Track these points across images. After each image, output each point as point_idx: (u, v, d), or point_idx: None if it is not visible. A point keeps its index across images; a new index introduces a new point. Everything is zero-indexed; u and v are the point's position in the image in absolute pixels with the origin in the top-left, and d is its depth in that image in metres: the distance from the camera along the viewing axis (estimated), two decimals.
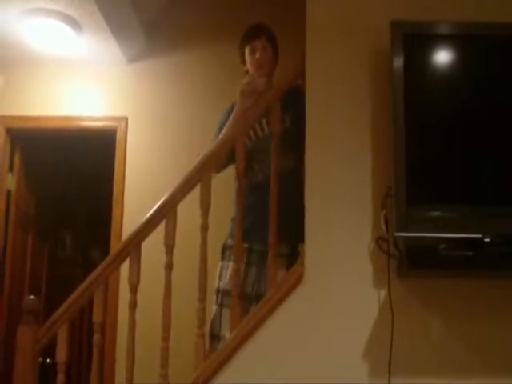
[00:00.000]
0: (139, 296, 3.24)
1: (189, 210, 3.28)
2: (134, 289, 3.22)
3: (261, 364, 3.04)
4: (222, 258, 3.47)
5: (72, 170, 6.09)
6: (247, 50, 3.64)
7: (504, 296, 3.01)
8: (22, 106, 4.95)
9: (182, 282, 3.44)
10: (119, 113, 4.94)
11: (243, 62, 3.69)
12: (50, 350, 3.28)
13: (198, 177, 3.24)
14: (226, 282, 3.40)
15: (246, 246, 3.39)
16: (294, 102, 3.34)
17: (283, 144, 3.31)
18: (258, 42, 3.61)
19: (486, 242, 2.76)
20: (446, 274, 2.98)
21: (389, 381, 2.92)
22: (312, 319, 3.04)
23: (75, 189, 6.25)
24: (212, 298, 3.44)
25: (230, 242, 3.46)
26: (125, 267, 3.32)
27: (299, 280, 3.08)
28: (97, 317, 3.22)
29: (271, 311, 3.06)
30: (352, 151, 3.15)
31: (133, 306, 3.21)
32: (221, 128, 3.55)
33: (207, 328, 3.32)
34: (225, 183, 3.59)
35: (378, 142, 3.12)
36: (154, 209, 3.25)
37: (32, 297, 3.25)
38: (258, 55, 3.60)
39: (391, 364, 2.92)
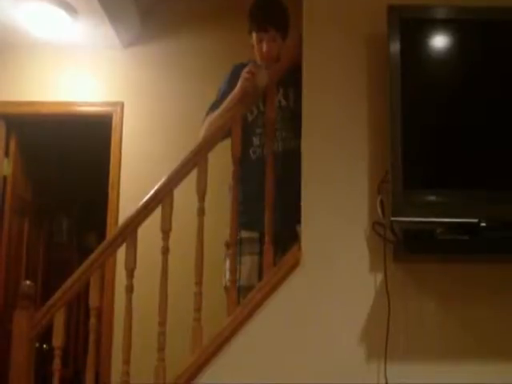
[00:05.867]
0: (136, 281, 3.25)
1: (186, 195, 3.28)
2: (130, 273, 3.23)
3: (258, 348, 3.05)
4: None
5: (68, 155, 6.08)
6: (254, 36, 3.50)
7: (501, 280, 3.02)
8: (17, 92, 4.92)
9: (179, 266, 3.43)
10: (115, 98, 4.92)
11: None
12: (46, 335, 3.29)
13: (195, 161, 3.25)
14: (244, 277, 3.33)
15: (257, 235, 3.36)
16: (297, 77, 3.25)
17: (287, 121, 3.30)
18: (265, 35, 3.46)
19: (483, 227, 2.77)
20: (442, 258, 2.99)
21: (385, 364, 2.94)
22: (309, 303, 3.05)
23: (71, 174, 6.24)
24: (213, 285, 3.42)
25: (243, 234, 3.38)
26: (121, 252, 3.33)
27: (296, 264, 3.09)
28: (93, 301, 3.22)
29: (268, 295, 3.07)
30: (348, 136, 3.15)
31: (129, 290, 3.22)
32: (222, 96, 3.49)
33: None
34: (222, 168, 3.57)
35: (374, 127, 3.12)
36: (150, 193, 3.25)
37: (28, 282, 3.25)
38: (265, 48, 3.46)
39: (387, 347, 2.93)
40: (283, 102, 3.47)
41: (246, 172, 3.36)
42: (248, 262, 3.36)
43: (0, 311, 4.73)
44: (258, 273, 3.32)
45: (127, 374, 3.17)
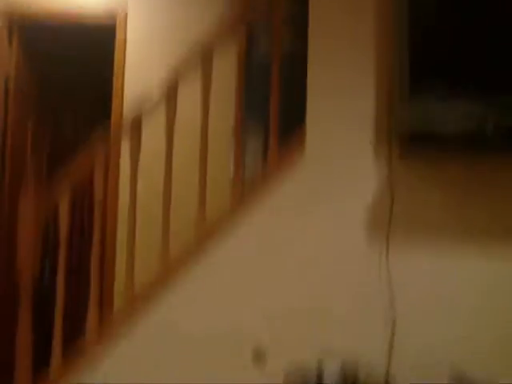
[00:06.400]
0: (140, 174, 3.27)
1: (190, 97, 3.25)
2: (134, 164, 3.24)
3: (261, 237, 3.11)
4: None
5: (72, 57, 5.98)
6: None
7: (505, 181, 3.04)
8: None
9: (183, 161, 3.44)
10: (118, 6, 4.79)
11: None
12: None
13: (199, 60, 3.22)
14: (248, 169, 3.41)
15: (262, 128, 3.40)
16: None
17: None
18: None
19: (489, 120, 2.76)
20: (447, 156, 3.00)
21: (387, 256, 3.00)
22: (312, 195, 3.09)
23: (76, 74, 6.16)
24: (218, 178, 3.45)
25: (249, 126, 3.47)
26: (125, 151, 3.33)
27: (300, 156, 3.11)
28: (98, 194, 3.25)
29: (271, 187, 3.10)
30: (355, 28, 3.14)
31: (134, 179, 3.25)
32: None
33: None
34: (227, 68, 3.54)
35: (381, 20, 3.10)
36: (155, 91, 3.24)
37: (34, 167, 3.22)
38: None
39: (389, 237, 3.00)
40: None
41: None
42: (252, 154, 3.36)
43: (6, 210, 4.74)
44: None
45: (132, 266, 3.21)
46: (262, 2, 3.36)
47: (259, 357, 3.00)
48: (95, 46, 5.10)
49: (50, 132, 5.81)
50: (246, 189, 3.18)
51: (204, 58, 3.21)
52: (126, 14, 4.75)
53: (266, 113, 3.21)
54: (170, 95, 3.21)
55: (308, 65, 3.13)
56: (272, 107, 3.17)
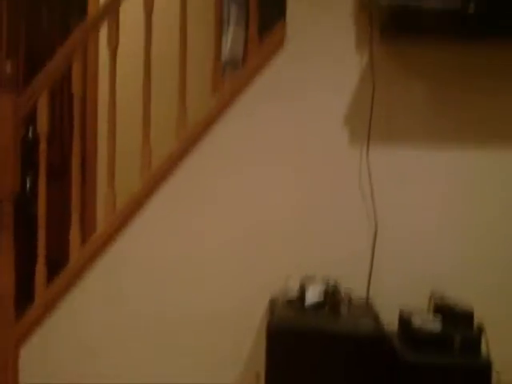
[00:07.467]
0: (119, 64, 3.20)
1: None
2: (113, 52, 3.17)
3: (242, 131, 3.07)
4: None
5: None
6: None
7: (487, 64, 2.99)
8: None
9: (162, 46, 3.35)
10: None
11: None
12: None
13: None
14: (227, 50, 3.29)
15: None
16: None
17: None
18: None
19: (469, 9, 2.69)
20: (428, 40, 2.94)
21: (367, 148, 2.98)
22: (293, 84, 3.03)
23: None
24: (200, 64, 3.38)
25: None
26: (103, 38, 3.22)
27: (280, 43, 3.03)
28: (76, 87, 3.18)
29: (252, 76, 3.04)
30: None
31: (112, 69, 3.17)
32: None
33: None
34: None
35: None
36: None
37: (9, 64, 3.15)
38: None
39: (370, 131, 2.96)
40: None
41: None
42: (232, 34, 3.30)
43: None
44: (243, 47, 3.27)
45: (113, 160, 3.19)
46: None
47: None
48: None
49: (26, 27, 5.63)
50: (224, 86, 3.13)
51: None
52: None
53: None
54: None
55: None
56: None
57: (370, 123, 2.96)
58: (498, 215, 2.98)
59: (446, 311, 2.70)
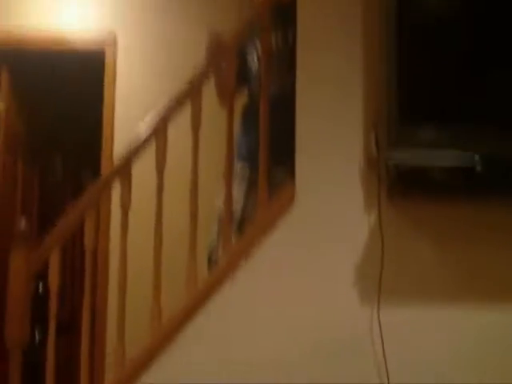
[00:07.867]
0: (131, 222, 3.24)
1: (180, 131, 3.24)
2: (125, 211, 3.22)
3: (251, 289, 3.06)
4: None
5: (61, 90, 5.96)
6: None
7: (498, 221, 2.99)
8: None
9: (174, 205, 3.42)
10: (107, 27, 4.78)
11: None
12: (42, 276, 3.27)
13: (189, 96, 3.20)
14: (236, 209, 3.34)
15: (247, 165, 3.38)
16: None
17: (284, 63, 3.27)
18: None
19: (478, 171, 2.75)
20: (437, 198, 2.97)
21: (378, 308, 2.94)
22: (303, 243, 3.04)
23: (65, 110, 6.14)
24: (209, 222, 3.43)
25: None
26: (116, 194, 3.32)
27: (290, 202, 3.06)
28: (88, 242, 3.21)
29: (262, 233, 3.06)
30: (343, 72, 3.11)
31: (124, 228, 3.21)
32: None
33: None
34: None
35: (369, 62, 3.08)
36: (144, 129, 3.22)
37: (24, 220, 3.21)
38: None
39: (381, 291, 2.93)
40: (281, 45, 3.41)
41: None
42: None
43: None
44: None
45: (123, 315, 3.18)
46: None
47: None
48: (84, 80, 5.08)
49: (39, 176, 5.77)
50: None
51: (193, 96, 3.20)
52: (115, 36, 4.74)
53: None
54: (159, 141, 3.20)
55: (296, 113, 3.10)
56: (261, 153, 3.14)
57: (380, 283, 2.94)
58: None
59: None
